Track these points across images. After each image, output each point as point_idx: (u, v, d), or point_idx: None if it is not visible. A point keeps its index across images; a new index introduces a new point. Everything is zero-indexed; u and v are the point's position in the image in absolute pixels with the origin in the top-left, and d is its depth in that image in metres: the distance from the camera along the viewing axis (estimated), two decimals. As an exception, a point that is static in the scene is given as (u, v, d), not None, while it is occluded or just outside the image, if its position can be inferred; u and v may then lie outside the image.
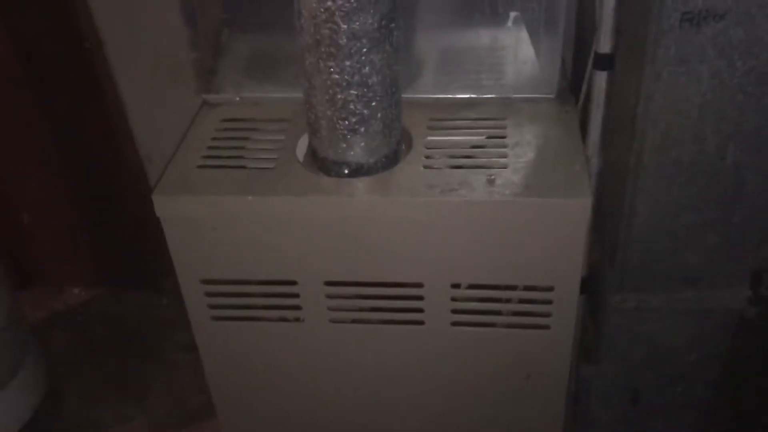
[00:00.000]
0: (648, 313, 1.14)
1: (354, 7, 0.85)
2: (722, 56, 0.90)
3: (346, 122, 0.94)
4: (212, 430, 1.24)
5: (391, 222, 0.97)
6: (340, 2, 0.84)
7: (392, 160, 1.00)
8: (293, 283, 1.03)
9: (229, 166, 1.03)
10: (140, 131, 1.62)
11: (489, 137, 1.04)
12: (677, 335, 1.16)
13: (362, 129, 0.95)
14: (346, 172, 0.98)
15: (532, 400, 1.11)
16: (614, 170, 1.06)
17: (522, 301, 1.02)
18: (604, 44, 0.95)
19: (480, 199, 0.93)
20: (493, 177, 0.95)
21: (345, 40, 0.87)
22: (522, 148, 1.00)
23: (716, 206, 1.02)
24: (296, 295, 1.04)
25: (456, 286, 1.01)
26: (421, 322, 1.04)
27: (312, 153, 1.02)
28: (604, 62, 0.96)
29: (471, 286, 1.01)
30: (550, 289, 0.99)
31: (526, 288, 1.01)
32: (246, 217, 0.98)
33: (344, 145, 0.96)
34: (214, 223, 0.99)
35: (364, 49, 0.88)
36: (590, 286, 1.17)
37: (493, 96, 1.09)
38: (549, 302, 1.00)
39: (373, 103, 0.93)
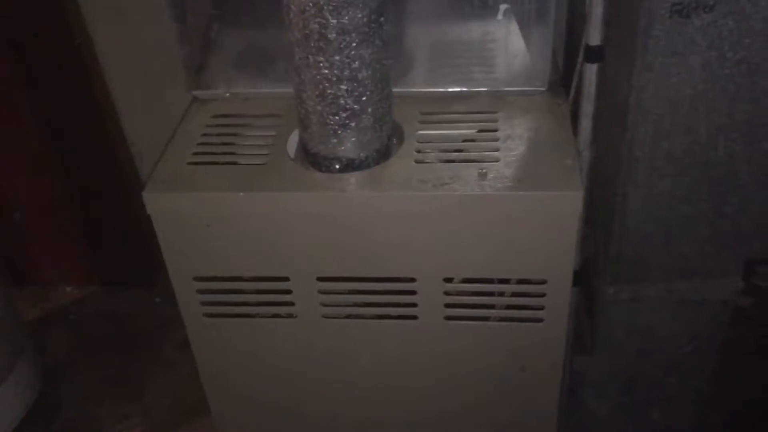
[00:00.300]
0: (642, 305, 1.14)
1: (343, 2, 0.84)
2: (712, 47, 0.90)
3: (337, 117, 0.93)
4: (210, 426, 1.24)
5: (383, 217, 0.96)
6: (329, -4, 0.84)
7: (384, 154, 1.00)
8: (286, 279, 1.03)
9: (220, 163, 1.03)
10: (131, 128, 1.62)
11: (480, 131, 1.03)
12: (672, 326, 1.16)
13: (353, 124, 0.94)
14: (338, 167, 0.98)
15: (526, 393, 1.12)
16: (607, 162, 1.06)
17: (515, 294, 1.02)
18: (594, 36, 0.95)
19: (472, 193, 0.93)
20: (484, 171, 0.94)
21: (334, 35, 0.87)
22: (513, 141, 1.00)
23: (709, 197, 1.02)
24: (289, 291, 1.04)
25: (449, 280, 1.01)
26: (414, 317, 1.04)
27: (303, 148, 1.01)
28: (595, 54, 0.96)
29: (464, 280, 1.01)
30: (542, 282, 0.99)
31: (519, 281, 1.00)
32: (238, 214, 0.98)
33: (335, 140, 0.96)
34: (206, 220, 0.98)
35: (354, 44, 0.88)
36: (584, 278, 1.17)
37: (484, 89, 1.09)
38: (542, 295, 1.00)
39: (364, 98, 0.92)
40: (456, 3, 1.03)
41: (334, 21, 0.85)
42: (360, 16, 0.86)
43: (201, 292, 1.06)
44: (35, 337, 1.66)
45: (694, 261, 1.09)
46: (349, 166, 0.98)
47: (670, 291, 1.12)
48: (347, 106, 0.92)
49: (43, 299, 1.86)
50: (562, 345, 1.05)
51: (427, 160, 0.99)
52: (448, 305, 1.03)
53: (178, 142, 1.07)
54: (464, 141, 1.03)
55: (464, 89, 1.09)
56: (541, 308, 1.01)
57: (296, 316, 1.06)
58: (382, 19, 0.89)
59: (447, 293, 1.02)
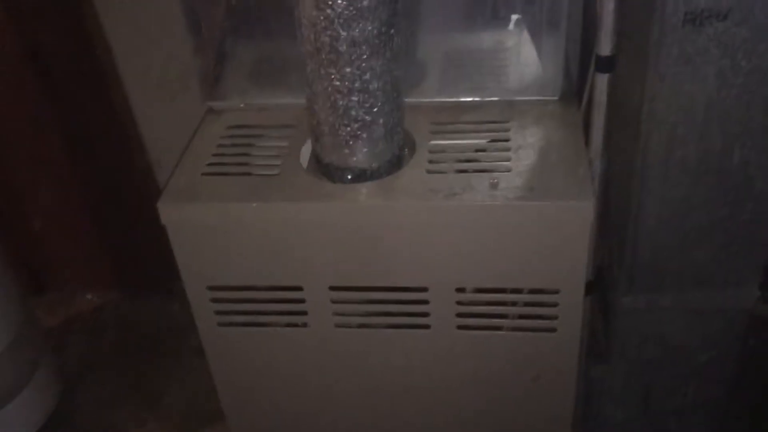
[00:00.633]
0: (658, 313, 1.13)
1: (353, 15, 0.85)
2: (726, 56, 0.89)
3: (349, 128, 0.94)
4: (226, 432, 1.25)
5: (395, 226, 0.97)
6: (340, 10, 0.84)
7: (396, 164, 1.00)
8: (299, 288, 1.03)
9: (234, 173, 1.04)
10: (150, 137, 1.64)
11: (492, 140, 1.03)
12: (688, 335, 1.15)
13: (364, 135, 0.95)
14: (350, 177, 0.99)
15: (539, 403, 1.11)
16: (620, 171, 1.06)
17: (527, 304, 1.02)
18: (605, 47, 0.94)
19: (483, 203, 0.93)
20: (496, 181, 0.94)
21: (345, 47, 0.87)
22: (525, 150, 1.00)
23: (724, 205, 1.01)
24: (302, 301, 1.04)
25: (461, 289, 1.01)
26: (426, 326, 1.04)
27: (316, 159, 1.02)
28: (606, 64, 0.95)
29: (476, 290, 1.01)
30: (555, 291, 0.99)
31: (532, 291, 1.00)
32: (251, 224, 0.99)
33: (347, 151, 0.96)
34: (220, 230, 1.00)
35: (365, 56, 0.88)
36: (599, 287, 1.16)
37: (496, 99, 1.09)
38: (555, 305, 1.00)
39: (375, 109, 0.93)
40: (468, 13, 1.04)
41: (345, 33, 0.86)
42: (370, 28, 0.87)
43: (215, 301, 1.07)
44: (55, 343, 1.69)
45: (709, 269, 1.08)
46: (361, 176, 0.98)
47: (686, 300, 1.11)
48: (359, 117, 0.93)
49: (62, 306, 1.89)
50: (575, 355, 1.05)
51: (439, 170, 0.99)
52: (460, 315, 1.03)
53: (193, 153, 1.08)
54: (476, 151, 1.03)
55: (476, 99, 1.09)
56: (554, 318, 1.01)
57: (309, 326, 1.07)
58: (392, 31, 0.89)
59: (459, 303, 1.02)
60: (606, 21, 0.92)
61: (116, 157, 1.66)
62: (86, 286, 1.91)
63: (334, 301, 1.04)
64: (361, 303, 1.05)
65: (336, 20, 0.85)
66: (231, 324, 1.09)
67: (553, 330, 1.02)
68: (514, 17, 1.02)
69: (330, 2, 0.84)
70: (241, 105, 1.15)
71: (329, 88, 0.91)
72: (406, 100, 1.00)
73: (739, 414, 1.27)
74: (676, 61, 0.90)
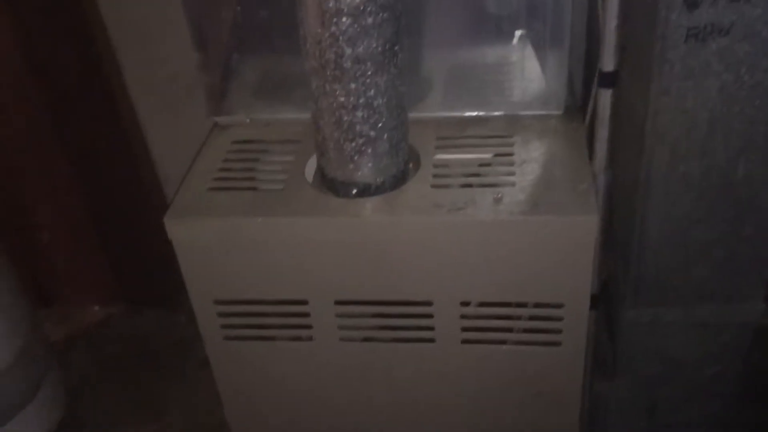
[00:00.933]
0: (663, 328, 1.13)
1: (358, 32, 0.86)
2: (729, 70, 0.89)
3: (353, 143, 0.95)
4: (230, 446, 1.25)
5: (399, 241, 0.97)
6: (344, 27, 0.85)
7: (400, 179, 1.01)
8: (304, 302, 1.04)
9: (239, 188, 1.04)
10: (157, 151, 1.65)
11: (496, 155, 1.04)
12: (693, 349, 1.15)
13: (369, 150, 0.95)
14: (355, 192, 0.99)
15: (544, 417, 1.11)
16: (624, 186, 1.06)
17: (532, 318, 1.02)
18: (608, 62, 0.95)
19: (487, 218, 0.93)
20: (500, 195, 0.95)
21: (350, 64, 0.88)
22: (529, 165, 1.00)
23: (728, 219, 1.01)
24: (307, 314, 1.05)
25: (465, 303, 1.01)
26: (431, 340, 1.04)
27: (321, 174, 1.03)
28: (608, 80, 0.96)
29: (481, 304, 1.01)
30: (559, 306, 0.99)
31: (536, 305, 1.00)
32: (256, 239, 1.00)
33: (352, 166, 0.97)
34: (226, 245, 1.00)
35: (369, 72, 0.89)
36: (603, 301, 1.16)
37: (500, 113, 1.09)
38: (559, 319, 1.00)
39: (380, 125, 0.94)
40: (472, 28, 1.04)
41: (350, 50, 0.87)
42: (375, 45, 0.87)
43: (221, 315, 1.07)
44: (60, 356, 1.69)
45: (714, 284, 1.08)
46: (366, 191, 0.99)
47: (691, 314, 1.11)
48: (363, 133, 0.94)
49: (68, 319, 1.89)
50: (580, 369, 1.05)
51: (444, 185, 1.00)
52: (465, 329, 1.03)
53: (199, 168, 1.09)
54: (480, 165, 1.03)
55: (480, 113, 1.10)
56: (559, 332, 1.01)
57: (314, 339, 1.07)
58: (396, 47, 0.90)
59: (464, 317, 1.02)
60: (609, 37, 0.93)
61: (122, 171, 1.67)
62: (92, 299, 1.91)
63: (339, 315, 1.04)
64: (366, 317, 1.05)
65: (341, 37, 0.86)
66: (237, 338, 1.10)
67: (557, 344, 1.02)
68: (518, 33, 1.03)
69: (335, 20, 0.85)
70: (247, 120, 1.16)
71: (334, 104, 0.92)
72: (411, 114, 1.00)
73: (744, 428, 1.27)
74: (679, 76, 0.91)
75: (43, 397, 1.50)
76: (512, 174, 0.99)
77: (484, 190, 0.97)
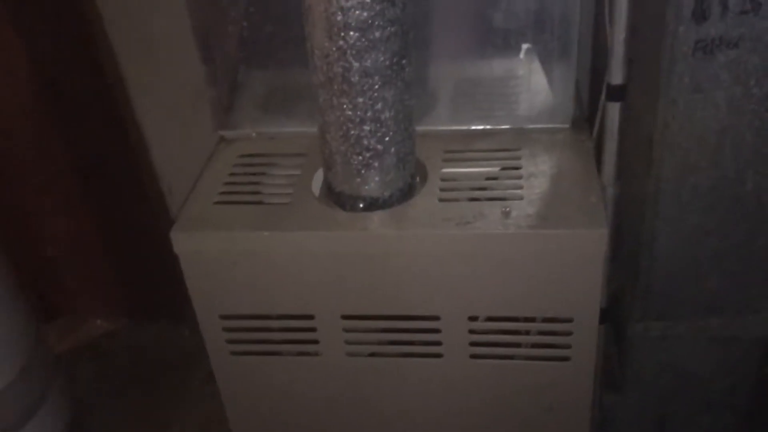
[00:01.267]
0: (673, 341, 1.12)
1: (366, 46, 0.86)
2: (738, 83, 0.89)
3: (360, 157, 0.94)
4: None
5: (407, 255, 0.97)
6: (352, 41, 0.85)
7: (407, 193, 1.00)
8: (310, 317, 1.03)
9: (246, 202, 1.04)
10: (161, 164, 1.65)
11: (504, 168, 1.03)
12: (703, 363, 1.14)
13: (376, 164, 0.95)
14: (362, 206, 0.99)
15: (554, 432, 1.10)
16: (633, 198, 1.05)
17: (541, 332, 1.01)
18: (616, 75, 0.95)
19: (495, 232, 0.92)
20: (508, 209, 0.94)
21: (357, 78, 0.88)
22: (537, 178, 1.00)
23: (738, 231, 1.01)
24: (313, 329, 1.04)
25: (474, 318, 1.00)
26: (439, 355, 1.04)
27: (327, 187, 1.02)
28: (617, 93, 0.96)
29: (489, 319, 1.01)
30: (569, 320, 0.98)
31: (545, 320, 0.99)
32: (263, 253, 0.99)
33: (359, 180, 0.97)
34: (232, 259, 1.00)
35: (377, 86, 0.89)
36: (612, 315, 1.15)
37: (507, 127, 1.09)
38: (568, 334, 0.99)
39: (387, 138, 0.93)
40: (479, 42, 1.04)
41: (357, 64, 0.87)
42: (382, 59, 0.87)
43: (227, 330, 1.07)
44: (65, 369, 1.68)
45: (724, 296, 1.07)
46: (373, 204, 0.98)
47: (701, 327, 1.10)
48: (370, 147, 0.93)
49: (73, 332, 1.89)
50: (589, 384, 1.03)
51: (451, 198, 0.99)
52: (473, 344, 1.02)
53: (205, 182, 1.08)
54: (488, 179, 1.03)
55: (487, 127, 1.10)
56: (568, 347, 1.00)
57: (321, 354, 1.07)
58: (404, 61, 0.90)
59: (472, 331, 1.01)
60: (617, 50, 0.93)
61: (127, 184, 1.67)
62: (96, 313, 1.91)
63: (345, 330, 1.03)
64: (373, 332, 1.04)
65: (348, 51, 0.86)
66: (243, 353, 1.09)
67: (567, 359, 1.01)
68: (525, 46, 1.03)
69: (342, 34, 0.85)
70: (253, 134, 1.16)
71: (341, 118, 0.92)
72: (418, 128, 1.00)
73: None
74: (688, 88, 0.90)
75: (48, 411, 1.49)
76: (520, 187, 0.99)
77: (492, 204, 0.96)
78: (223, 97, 1.14)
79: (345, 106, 0.91)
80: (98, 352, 1.84)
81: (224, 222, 1.00)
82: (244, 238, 0.98)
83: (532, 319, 1.00)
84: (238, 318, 1.06)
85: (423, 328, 1.02)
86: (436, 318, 1.00)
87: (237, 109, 1.15)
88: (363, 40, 0.85)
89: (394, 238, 0.96)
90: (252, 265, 1.00)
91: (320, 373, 1.09)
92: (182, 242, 0.99)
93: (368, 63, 0.87)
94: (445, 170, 1.04)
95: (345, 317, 1.02)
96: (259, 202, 1.04)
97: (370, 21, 0.84)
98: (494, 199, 0.98)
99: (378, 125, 0.92)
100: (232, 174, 1.10)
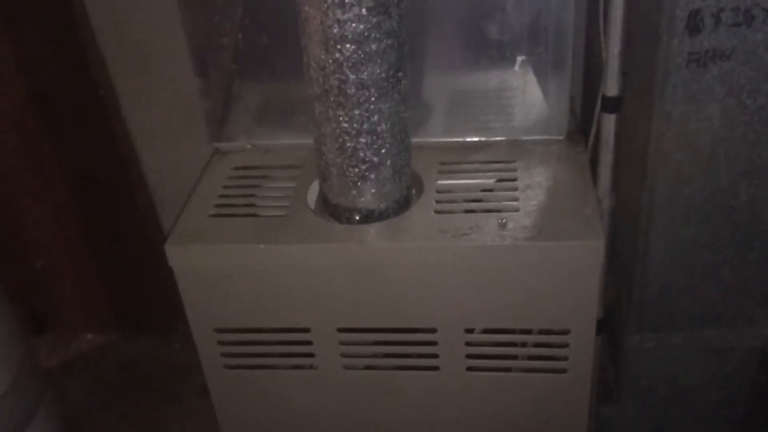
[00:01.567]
0: (668, 352, 1.12)
1: (362, 59, 0.86)
2: (731, 95, 0.90)
3: (356, 169, 0.94)
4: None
5: (403, 267, 0.96)
6: (348, 54, 0.85)
7: (403, 205, 1.00)
8: (306, 330, 1.02)
9: (241, 215, 1.04)
10: (153, 177, 1.64)
11: (500, 180, 1.04)
12: (699, 374, 1.14)
13: (372, 176, 0.95)
14: (358, 218, 0.98)
15: (551, 445, 1.09)
16: (627, 209, 1.06)
17: (538, 344, 1.01)
18: (612, 87, 0.95)
19: (492, 244, 0.92)
20: (504, 221, 0.94)
21: (353, 90, 0.88)
22: (533, 190, 1.00)
23: (732, 243, 1.01)
24: (309, 343, 1.03)
25: (470, 330, 1.00)
26: (435, 368, 1.03)
27: (323, 200, 1.02)
28: (612, 105, 0.96)
29: (485, 331, 1.00)
30: (565, 332, 0.98)
31: (542, 332, 0.99)
32: (259, 266, 0.99)
33: (355, 192, 0.96)
34: (227, 272, 0.99)
35: (373, 98, 0.89)
36: (608, 326, 1.15)
37: (502, 138, 1.09)
38: (565, 345, 0.99)
39: (383, 150, 0.93)
40: (474, 54, 1.05)
41: (354, 77, 0.87)
42: (379, 71, 0.87)
43: (222, 343, 1.06)
44: (55, 384, 1.66)
45: (719, 307, 1.07)
46: (369, 217, 0.98)
47: (696, 338, 1.10)
48: (366, 159, 0.93)
49: (63, 346, 1.87)
50: (586, 396, 1.03)
51: (447, 210, 0.99)
52: (469, 356, 1.02)
53: (200, 195, 1.08)
54: (483, 190, 1.03)
55: (483, 139, 1.10)
56: (565, 359, 1.00)
57: (317, 367, 1.06)
58: (400, 73, 0.90)
59: (468, 344, 1.01)
60: (612, 63, 0.94)
61: (118, 197, 1.66)
62: (86, 326, 1.89)
63: (342, 343, 1.03)
64: (369, 345, 1.04)
65: (345, 64, 0.86)
66: (238, 366, 1.08)
67: (563, 371, 1.01)
68: (520, 58, 1.03)
69: (339, 46, 0.85)
70: (248, 146, 1.16)
71: (337, 130, 0.92)
72: (413, 140, 1.00)
73: (751, 453, 1.26)
74: (682, 100, 0.91)
75: (38, 426, 1.47)
76: (516, 199, 0.99)
77: (489, 216, 0.96)
78: (217, 109, 1.14)
79: (341, 118, 0.90)
80: (88, 365, 1.82)
81: (219, 235, 0.99)
82: (240, 251, 0.98)
83: (528, 331, 1.00)
84: (234, 331, 1.05)
85: (419, 340, 1.02)
86: (432, 330, 1.00)
87: (232, 121, 1.15)
88: (359, 52, 0.85)
89: (390, 251, 0.96)
90: (247, 278, 0.99)
91: (316, 386, 1.08)
92: (177, 255, 0.99)
93: (364, 75, 0.87)
94: (440, 182, 1.04)
95: (341, 330, 1.02)
96: (255, 215, 1.04)
97: (366, 34, 0.85)
98: (490, 210, 0.98)
99: (374, 137, 0.92)
100: (227, 186, 1.09)
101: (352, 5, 0.83)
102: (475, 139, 1.10)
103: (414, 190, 1.03)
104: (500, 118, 1.09)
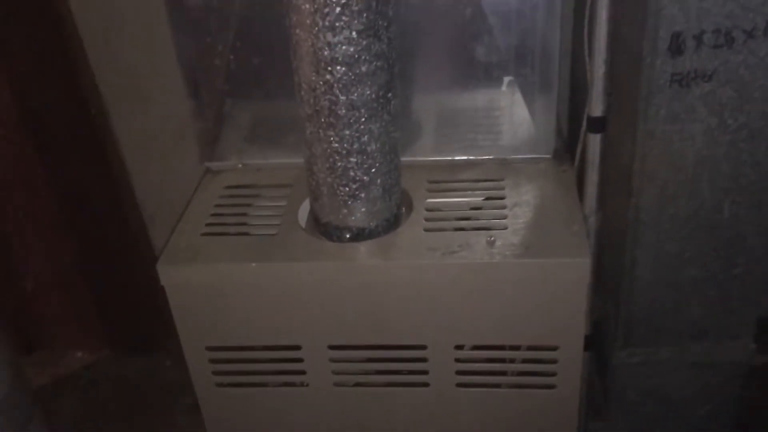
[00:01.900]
0: (655, 368, 1.13)
1: (352, 80, 0.87)
2: (713, 114, 0.92)
3: (347, 188, 0.95)
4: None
5: (393, 285, 0.97)
6: (339, 75, 0.87)
7: (393, 223, 1.01)
8: (297, 347, 1.03)
9: (232, 233, 1.04)
10: (144, 195, 1.64)
11: (488, 198, 1.05)
12: (686, 389, 1.15)
13: (362, 195, 0.96)
14: (348, 236, 0.99)
15: (540, 460, 1.10)
16: (613, 227, 1.07)
17: (526, 360, 1.02)
18: (596, 108, 0.97)
19: (481, 261, 0.94)
20: (493, 239, 0.96)
21: (344, 111, 0.89)
22: (521, 208, 1.02)
23: (718, 259, 1.03)
24: (300, 360, 1.04)
25: (460, 347, 1.01)
26: (425, 384, 1.04)
27: (314, 218, 1.03)
28: (598, 125, 0.98)
29: (475, 347, 1.01)
30: (554, 348, 0.99)
31: (530, 348, 1.00)
32: (250, 284, 0.99)
33: (345, 211, 0.98)
34: (219, 291, 1.00)
35: (363, 119, 0.90)
36: (595, 342, 1.17)
37: (490, 157, 1.11)
38: (554, 361, 1.00)
39: (373, 170, 0.95)
40: (462, 75, 1.06)
41: (344, 98, 0.88)
42: (368, 92, 0.89)
43: (213, 361, 1.06)
44: (45, 402, 1.65)
45: (705, 323, 1.08)
46: (360, 235, 0.99)
47: (683, 353, 1.11)
48: (357, 178, 0.95)
49: (53, 365, 1.85)
50: (575, 411, 1.04)
51: (437, 228, 1.01)
52: (459, 372, 1.03)
53: (191, 214, 1.09)
54: (472, 209, 1.04)
55: (471, 157, 1.12)
56: (554, 374, 1.01)
57: (308, 385, 1.06)
58: (390, 94, 0.91)
59: (458, 360, 1.02)
60: (597, 84, 0.95)
61: (109, 216, 1.66)
62: (76, 345, 1.88)
63: (333, 360, 1.04)
64: (360, 362, 1.05)
65: (335, 85, 0.87)
66: (229, 384, 1.08)
67: (552, 386, 1.02)
68: (507, 79, 1.05)
69: (329, 68, 0.86)
70: (239, 165, 1.17)
71: (328, 150, 0.93)
72: (403, 159, 1.02)
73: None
74: (665, 119, 0.93)
75: (27, 447, 1.46)
76: (504, 217, 1.00)
77: (477, 233, 0.98)
78: (209, 128, 1.15)
79: (332, 139, 0.92)
80: (79, 384, 1.81)
81: (211, 254, 1.00)
82: (232, 270, 0.99)
83: (517, 347, 1.01)
84: (225, 349, 1.06)
85: (410, 357, 1.02)
86: (422, 347, 1.01)
87: (223, 140, 1.16)
88: (349, 74, 0.87)
89: (380, 268, 0.97)
90: (239, 296, 1.00)
91: (307, 403, 1.08)
92: (169, 275, 0.99)
93: (355, 96, 0.88)
94: (430, 200, 1.06)
95: (332, 347, 1.02)
96: (246, 234, 1.05)
97: (356, 56, 0.86)
98: (479, 228, 0.99)
99: (364, 157, 0.93)
100: (219, 205, 1.10)
101: (343, 28, 0.84)
102: (464, 157, 1.12)
103: (404, 209, 1.04)
104: (488, 137, 1.11)
